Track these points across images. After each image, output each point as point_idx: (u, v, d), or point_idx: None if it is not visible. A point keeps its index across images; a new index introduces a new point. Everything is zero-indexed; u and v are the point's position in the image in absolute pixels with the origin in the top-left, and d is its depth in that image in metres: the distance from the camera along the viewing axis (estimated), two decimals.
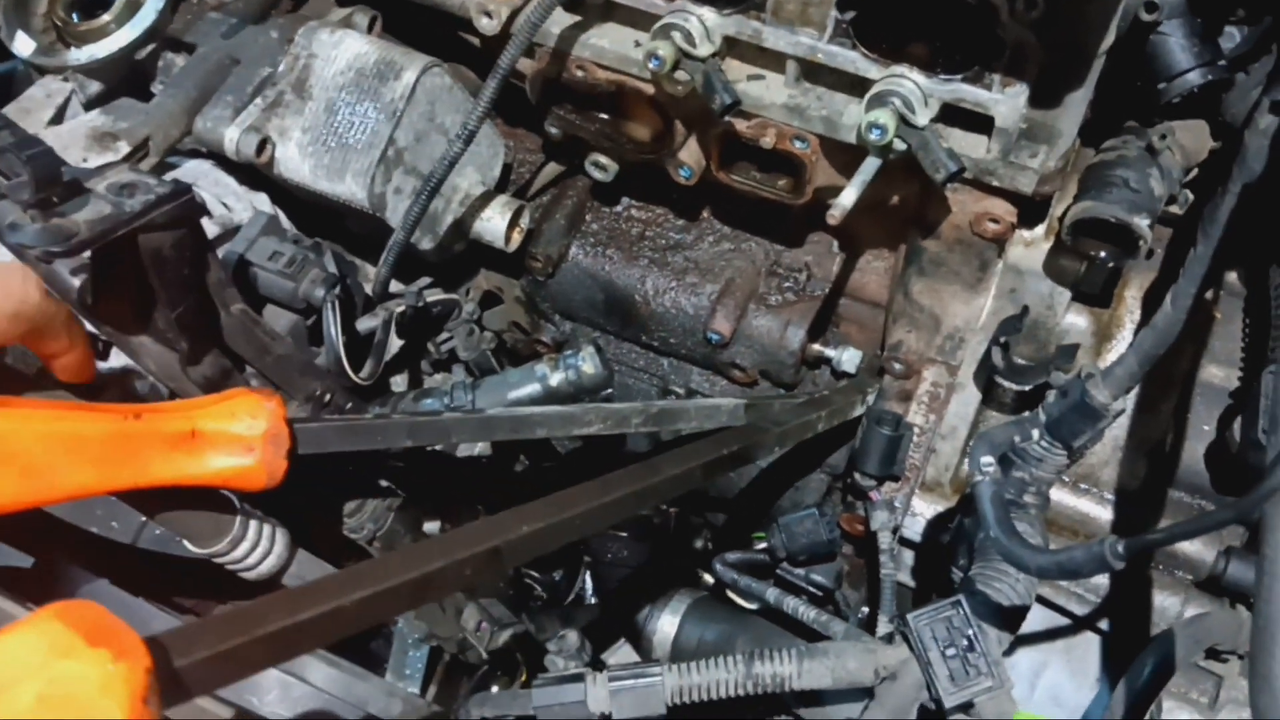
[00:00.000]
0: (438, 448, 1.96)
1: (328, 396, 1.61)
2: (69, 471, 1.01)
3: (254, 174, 1.75)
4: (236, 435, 1.10)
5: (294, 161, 1.69)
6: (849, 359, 1.95)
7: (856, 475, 1.84)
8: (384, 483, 1.58)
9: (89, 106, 1.75)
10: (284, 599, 0.95)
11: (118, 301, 1.34)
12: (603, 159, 1.92)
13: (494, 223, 1.89)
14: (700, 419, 1.63)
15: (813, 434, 1.74)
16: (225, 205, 1.70)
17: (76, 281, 1.31)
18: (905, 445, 1.82)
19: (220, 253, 1.60)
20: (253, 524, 1.34)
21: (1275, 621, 0.95)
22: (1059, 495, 1.78)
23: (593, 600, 2.26)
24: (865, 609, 2.04)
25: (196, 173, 1.73)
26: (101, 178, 1.27)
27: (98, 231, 1.19)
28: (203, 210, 1.44)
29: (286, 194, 1.79)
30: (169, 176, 1.66)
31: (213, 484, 1.12)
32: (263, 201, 1.75)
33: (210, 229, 1.66)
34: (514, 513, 1.18)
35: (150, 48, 1.80)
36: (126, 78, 1.80)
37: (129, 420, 1.03)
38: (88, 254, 1.25)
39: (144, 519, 1.47)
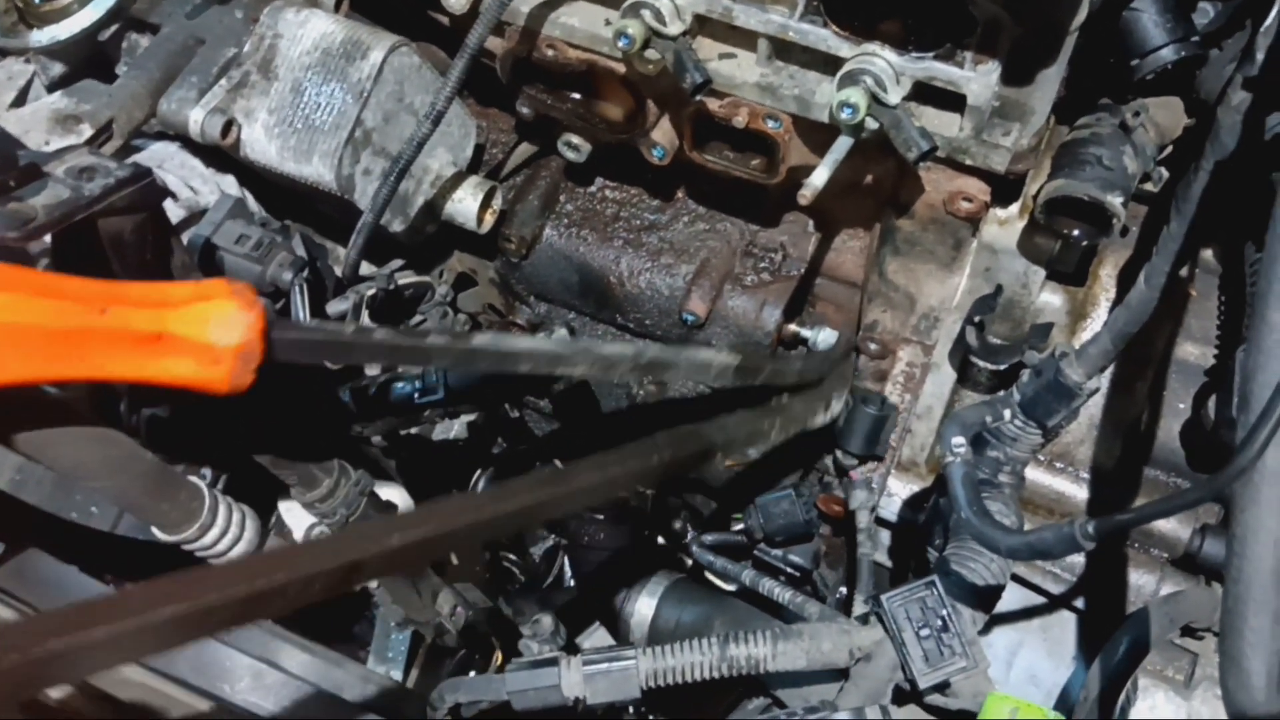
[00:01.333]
0: (414, 430, 1.95)
1: None
2: (17, 362, 0.95)
3: (221, 156, 1.73)
4: (205, 344, 1.02)
5: (260, 143, 1.66)
6: (825, 339, 1.94)
7: (839, 453, 1.84)
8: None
9: (51, 89, 1.73)
10: (173, 584, 0.91)
11: None
12: (575, 139, 1.90)
13: (466, 204, 1.87)
14: (690, 372, 1.60)
15: (765, 445, 1.69)
16: (191, 188, 1.68)
17: (38, 267, 1.29)
18: (890, 426, 1.82)
19: (186, 236, 1.58)
20: (221, 509, 1.32)
21: (1244, 600, 0.95)
22: (1035, 474, 1.78)
23: (571, 584, 2.25)
24: (843, 589, 2.03)
25: (162, 155, 1.70)
26: (60, 161, 1.25)
27: (55, 216, 1.18)
28: (164, 194, 1.42)
29: (255, 176, 1.77)
30: (134, 159, 1.64)
31: (168, 385, 1.05)
32: (230, 184, 1.73)
33: (176, 212, 1.64)
34: (451, 502, 1.13)
35: (113, 28, 1.77)
36: (89, 59, 1.77)
37: (93, 315, 0.95)
38: (48, 238, 1.23)
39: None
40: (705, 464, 1.61)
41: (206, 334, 1.02)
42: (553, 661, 1.46)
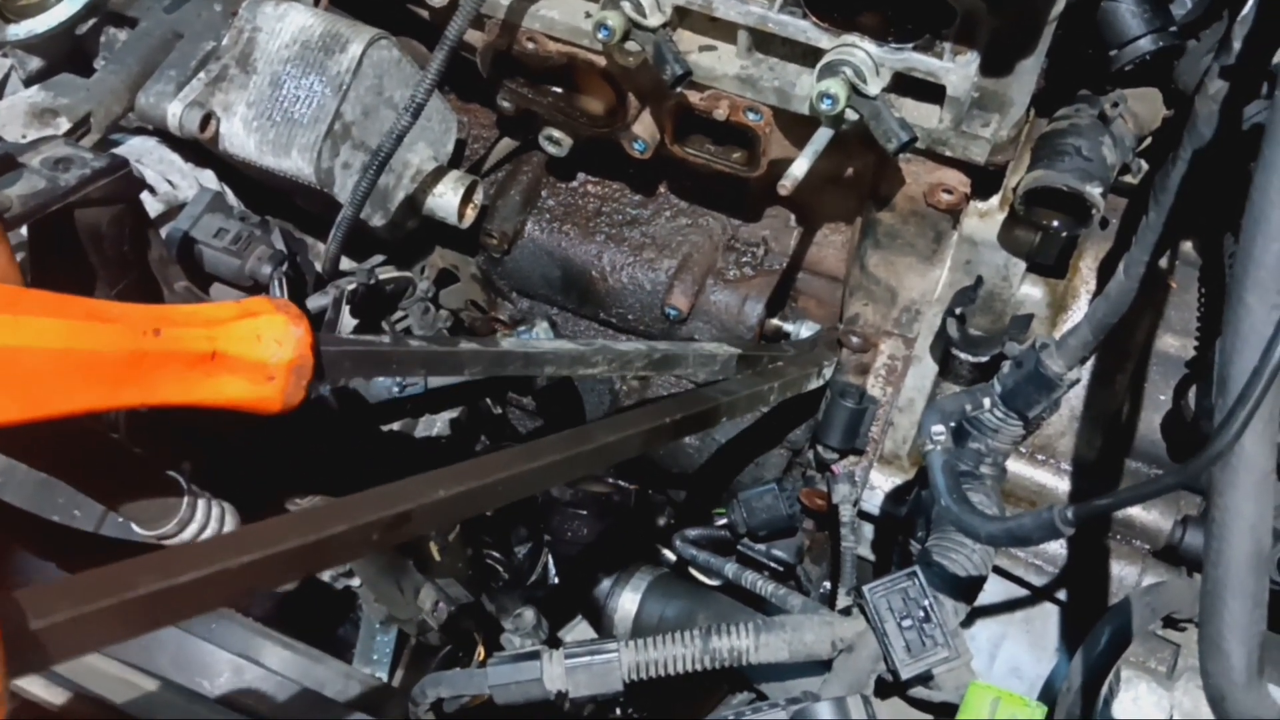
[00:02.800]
0: (395, 426, 1.94)
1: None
2: (76, 392, 0.90)
3: (200, 151, 1.72)
4: (259, 361, 0.99)
5: (239, 137, 1.66)
6: (806, 330, 1.94)
7: (819, 448, 1.84)
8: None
9: (29, 83, 1.72)
10: (159, 560, 0.87)
11: (57, 279, 1.32)
12: (556, 133, 1.90)
13: (446, 199, 1.86)
14: (697, 365, 1.62)
15: (765, 407, 1.71)
16: (170, 182, 1.67)
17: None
18: (869, 419, 1.81)
19: (164, 230, 1.57)
20: (200, 504, 1.31)
21: (1223, 585, 0.95)
22: (1016, 466, 1.78)
23: (555, 580, 2.25)
24: (827, 584, 2.03)
25: (141, 149, 1.70)
26: (36, 152, 1.24)
27: (30, 206, 1.17)
28: (141, 185, 1.41)
29: (234, 171, 1.76)
30: (113, 153, 1.63)
31: (223, 407, 1.01)
32: (209, 178, 1.72)
33: (155, 206, 1.63)
34: (430, 476, 1.10)
35: (91, 22, 1.77)
36: (68, 53, 1.77)
37: (148, 336, 0.91)
38: (24, 230, 1.23)
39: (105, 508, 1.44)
40: (712, 424, 1.62)
41: (259, 351, 0.99)
42: (534, 655, 1.45)
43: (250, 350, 0.98)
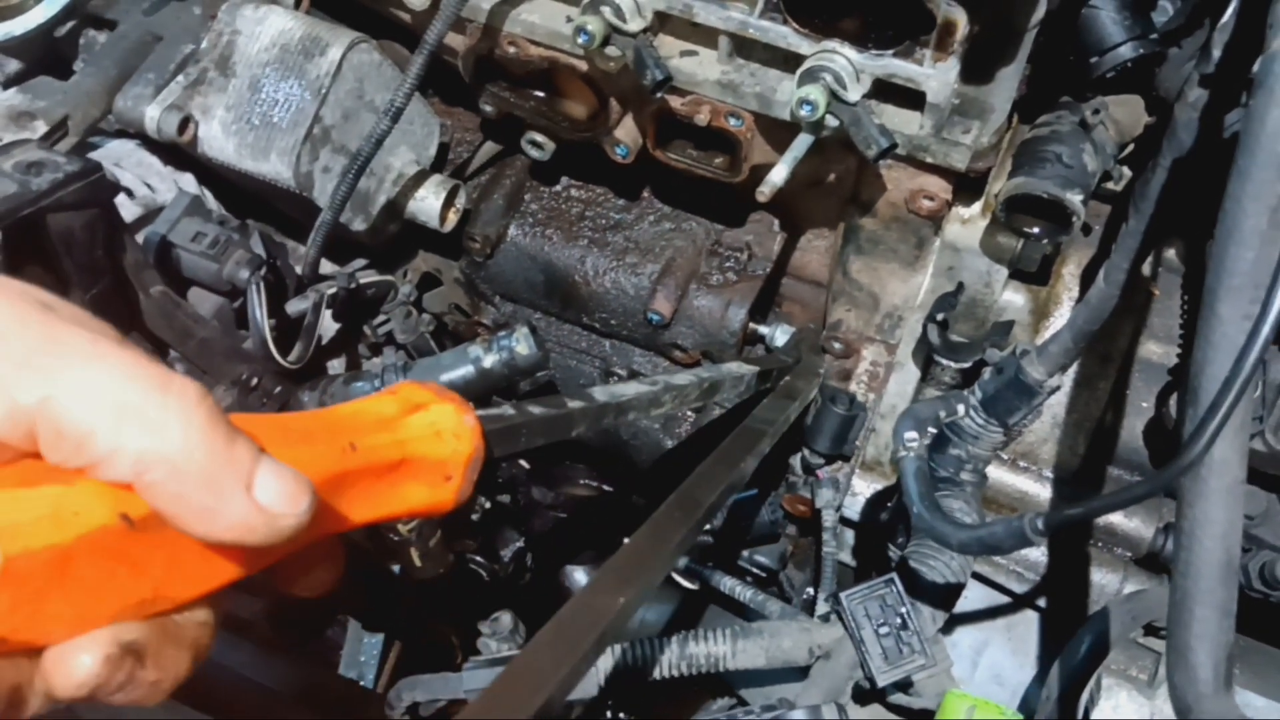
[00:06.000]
0: None
1: (255, 380, 1.58)
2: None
3: (180, 154, 1.72)
4: (439, 460, 0.86)
5: (217, 140, 1.65)
6: (781, 335, 1.94)
7: (806, 452, 1.83)
8: None
9: (7, 85, 1.71)
10: None
11: (30, 284, 1.31)
12: (539, 137, 1.89)
13: (428, 202, 1.86)
14: (731, 388, 1.61)
15: (787, 426, 1.67)
16: (149, 185, 1.67)
17: None
18: (858, 425, 1.81)
19: (142, 234, 1.56)
20: None
21: (1191, 594, 0.94)
22: (998, 473, 1.78)
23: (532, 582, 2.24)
24: (810, 590, 2.03)
25: (119, 153, 1.69)
26: (8, 156, 1.24)
27: (1, 210, 1.17)
28: (115, 190, 1.40)
29: (214, 174, 1.75)
30: (91, 156, 1.63)
31: (395, 519, 0.87)
32: (188, 182, 1.72)
33: (133, 210, 1.62)
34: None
35: (70, 25, 1.76)
36: (46, 56, 1.76)
37: (346, 453, 0.77)
38: None
39: None
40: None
41: (440, 448, 0.85)
42: (510, 660, 1.44)
43: (432, 449, 0.85)
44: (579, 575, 1.98)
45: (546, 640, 0.89)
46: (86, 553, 0.57)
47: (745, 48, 1.59)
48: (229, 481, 0.59)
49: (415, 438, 0.82)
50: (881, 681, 1.40)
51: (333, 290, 1.73)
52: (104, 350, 0.58)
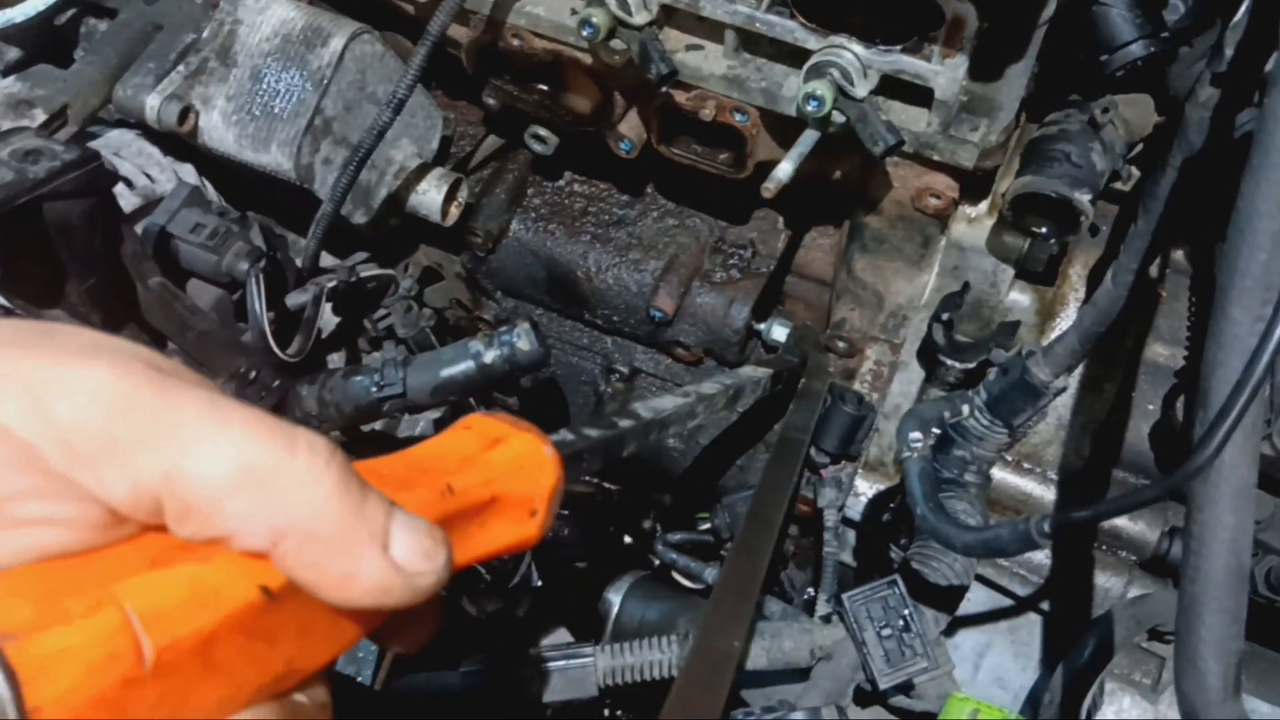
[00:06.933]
0: (377, 426, 1.92)
1: (253, 374, 1.57)
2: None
3: (180, 145, 1.70)
4: (525, 496, 0.80)
5: (218, 130, 1.64)
6: (779, 331, 1.93)
7: (813, 450, 1.82)
8: None
9: (6, 73, 1.69)
10: None
11: (27, 274, 1.30)
12: (542, 131, 1.88)
13: (430, 196, 1.84)
14: (750, 392, 1.62)
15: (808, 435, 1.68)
16: (148, 176, 1.65)
17: None
18: (867, 425, 1.80)
19: (140, 225, 1.55)
20: None
21: (1200, 600, 0.93)
22: (1002, 475, 1.76)
23: (538, 583, 2.23)
24: (811, 590, 2.02)
25: (119, 142, 1.67)
26: (5, 143, 1.23)
27: None
28: (113, 179, 1.39)
29: (215, 165, 1.74)
30: (91, 145, 1.61)
31: (485, 560, 0.81)
32: (188, 173, 1.70)
33: (132, 200, 1.61)
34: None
35: (71, 13, 1.74)
36: (46, 44, 1.74)
37: (444, 497, 0.72)
38: None
39: None
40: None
41: (525, 484, 0.80)
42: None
43: (519, 485, 0.80)
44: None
45: (684, 698, 0.89)
46: (229, 633, 0.54)
47: (752, 42, 1.58)
48: (366, 543, 0.55)
49: (502, 475, 0.77)
50: (883, 684, 1.38)
51: (333, 283, 1.71)
52: (224, 413, 0.54)
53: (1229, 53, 1.30)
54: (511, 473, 0.77)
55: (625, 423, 1.20)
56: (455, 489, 0.72)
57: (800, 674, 1.51)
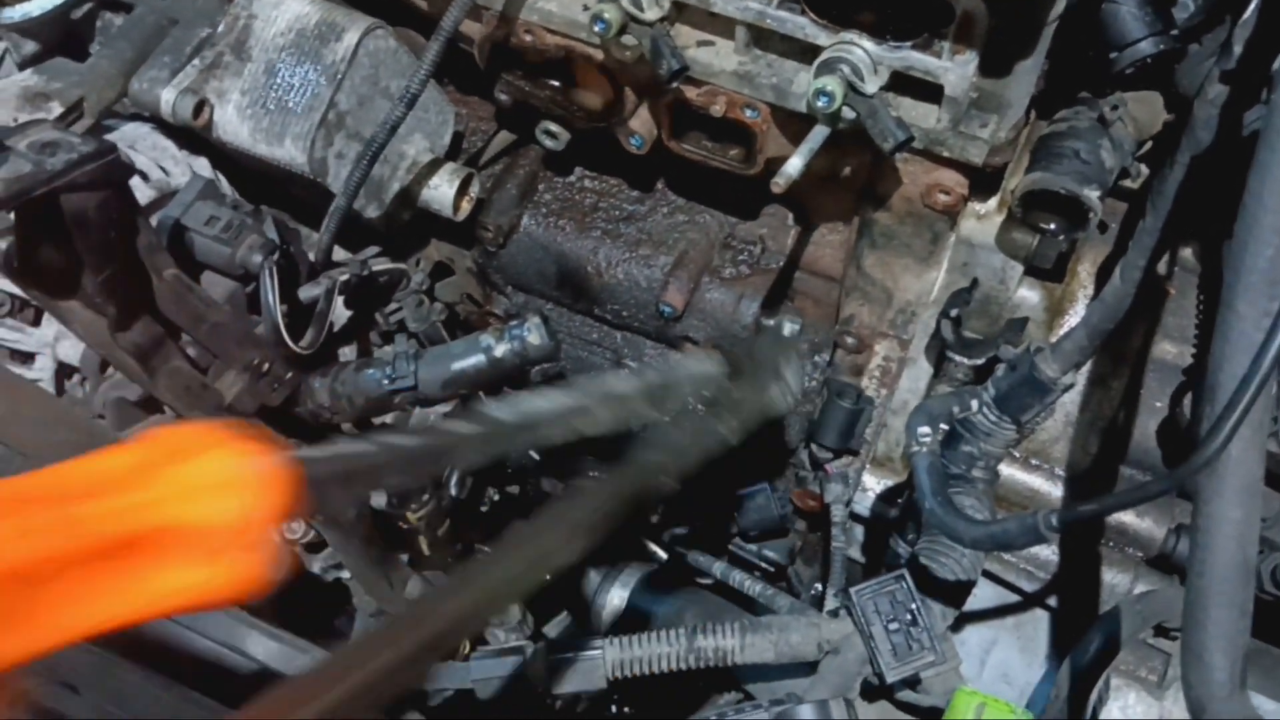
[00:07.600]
0: (388, 419, 1.93)
1: (266, 366, 1.58)
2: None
3: (194, 138, 1.72)
4: (210, 528, 0.64)
5: (232, 124, 1.65)
6: (788, 327, 1.93)
7: (814, 447, 1.82)
8: None
9: (23, 66, 1.71)
10: None
11: (44, 264, 1.31)
12: (553, 127, 1.88)
13: (442, 190, 1.85)
14: (694, 389, 1.54)
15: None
16: (163, 169, 1.67)
17: (1, 244, 1.28)
18: (865, 419, 1.80)
19: (155, 217, 1.56)
20: None
21: (1207, 594, 0.94)
22: (1010, 471, 1.77)
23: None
24: (818, 585, 2.02)
25: (134, 135, 1.69)
26: (23, 136, 1.23)
27: (15, 190, 1.17)
28: (129, 171, 1.40)
29: (229, 159, 1.75)
30: (106, 138, 1.63)
31: (148, 620, 0.66)
32: (203, 166, 1.72)
33: (147, 193, 1.62)
34: None
35: (87, 7, 1.76)
36: (63, 37, 1.76)
37: (54, 530, 0.59)
38: (11, 215, 1.22)
39: None
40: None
41: (211, 512, 0.64)
42: (518, 650, 1.44)
43: (199, 515, 0.65)
44: (595, 579, 1.97)
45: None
46: None
47: (763, 38, 1.59)
48: None
49: (171, 501, 0.62)
50: (891, 678, 1.39)
51: (345, 277, 1.72)
52: None
53: (1238, 51, 1.31)
54: (185, 499, 0.62)
55: (466, 428, 1.13)
56: (82, 519, 0.58)
57: (806, 668, 1.52)
